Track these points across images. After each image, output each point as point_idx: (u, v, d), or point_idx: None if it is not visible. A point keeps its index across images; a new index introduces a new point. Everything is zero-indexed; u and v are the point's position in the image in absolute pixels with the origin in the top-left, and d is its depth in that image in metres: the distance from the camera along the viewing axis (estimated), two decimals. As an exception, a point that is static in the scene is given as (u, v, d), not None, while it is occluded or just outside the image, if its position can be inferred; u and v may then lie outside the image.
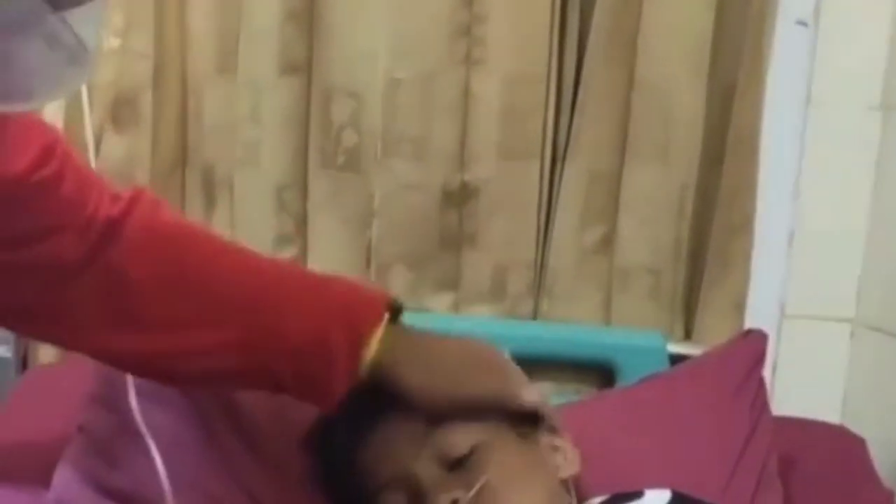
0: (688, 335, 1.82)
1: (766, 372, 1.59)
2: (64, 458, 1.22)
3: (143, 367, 1.14)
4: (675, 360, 1.69)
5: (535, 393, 1.16)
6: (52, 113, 1.73)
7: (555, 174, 1.78)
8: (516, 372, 1.17)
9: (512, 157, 1.75)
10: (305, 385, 1.10)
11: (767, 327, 1.67)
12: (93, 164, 1.58)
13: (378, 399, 1.12)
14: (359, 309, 1.11)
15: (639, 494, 1.22)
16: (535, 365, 1.73)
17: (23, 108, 0.82)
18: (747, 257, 1.75)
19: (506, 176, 1.75)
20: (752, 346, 1.49)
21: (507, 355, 1.19)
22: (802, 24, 1.72)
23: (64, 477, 1.20)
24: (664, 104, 1.73)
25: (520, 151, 1.75)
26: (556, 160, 1.78)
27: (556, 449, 1.19)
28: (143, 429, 1.18)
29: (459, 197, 1.76)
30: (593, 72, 1.73)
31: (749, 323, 1.73)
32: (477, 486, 1.06)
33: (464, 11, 1.70)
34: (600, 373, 1.77)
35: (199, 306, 1.11)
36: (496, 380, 1.14)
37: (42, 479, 1.22)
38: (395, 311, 1.13)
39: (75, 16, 0.76)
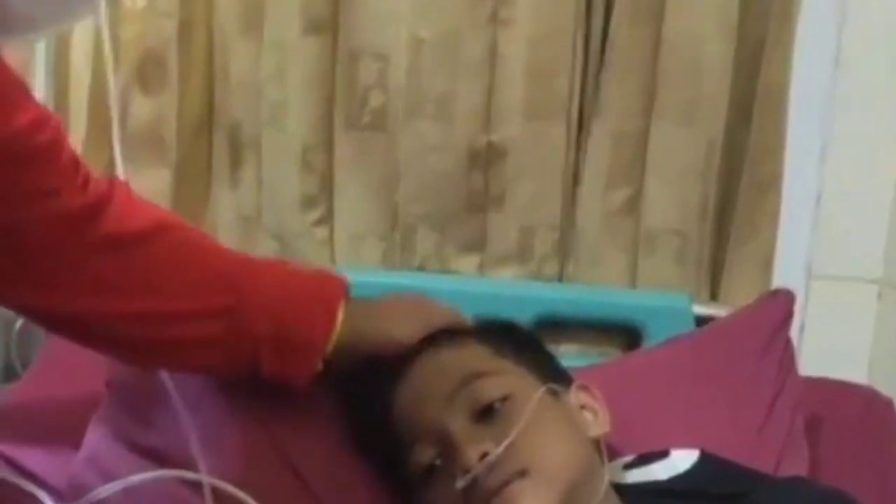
0: (714, 296, 1.82)
1: (794, 332, 1.58)
2: (94, 417, 1.23)
3: (118, 331, 1.12)
4: (701, 321, 1.69)
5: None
6: (79, 72, 1.74)
7: (581, 134, 1.78)
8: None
9: (538, 117, 1.75)
10: (284, 346, 1.13)
11: (794, 288, 1.66)
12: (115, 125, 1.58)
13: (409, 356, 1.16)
14: (327, 279, 1.18)
15: (665, 454, 1.23)
16: (561, 327, 1.76)
17: (26, 36, 0.80)
18: (775, 217, 1.74)
19: (532, 137, 1.75)
20: (780, 305, 1.48)
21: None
22: (831, -23, 1.70)
23: (95, 435, 1.21)
24: (692, 62, 1.72)
25: (546, 111, 1.75)
26: (583, 120, 1.77)
27: (585, 408, 1.19)
28: (170, 385, 1.18)
29: (485, 158, 1.76)
30: (620, 30, 1.73)
31: (776, 283, 1.71)
32: (507, 441, 1.07)
33: (489, -30, 1.70)
34: (626, 335, 1.77)
35: (182, 271, 1.12)
36: (434, 306, 1.22)
37: (71, 439, 1.23)
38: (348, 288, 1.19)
39: None
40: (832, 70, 1.71)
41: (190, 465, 1.11)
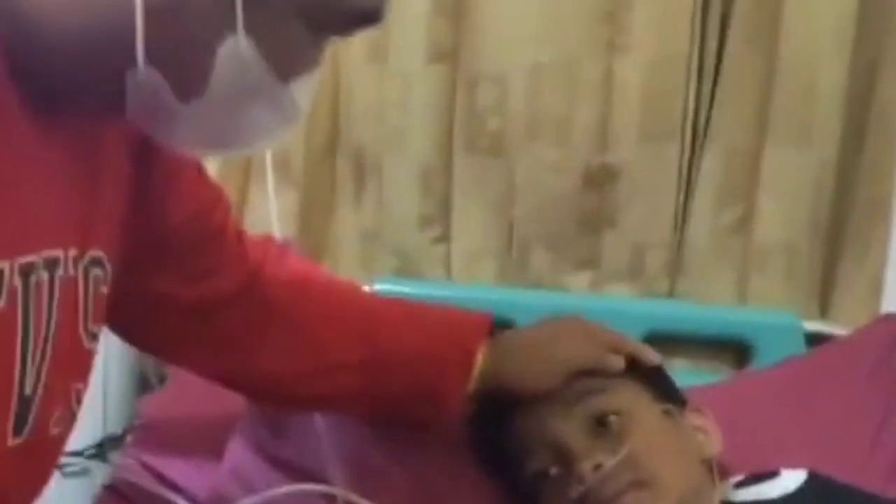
0: (824, 314, 1.82)
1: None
2: (237, 431, 1.30)
3: (268, 390, 1.21)
4: (811, 338, 1.71)
5: (619, 359, 1.22)
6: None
7: (694, 155, 1.80)
8: (604, 333, 1.25)
9: (652, 139, 1.77)
10: (421, 397, 1.20)
11: (905, 306, 1.68)
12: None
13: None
14: (464, 325, 1.23)
15: (775, 474, 1.27)
16: (671, 343, 1.77)
17: (236, 155, 0.91)
18: (886, 236, 1.74)
19: (646, 158, 1.78)
20: (890, 329, 1.51)
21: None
22: (950, -4, 1.70)
23: (237, 448, 1.28)
24: (806, 83, 1.73)
25: (660, 133, 1.77)
26: (696, 141, 1.80)
27: (698, 429, 1.24)
28: None
29: (600, 179, 1.79)
30: (735, 54, 1.75)
31: (886, 302, 1.72)
32: (622, 453, 1.12)
33: (607, -2, 1.73)
34: (735, 351, 1.79)
35: (325, 332, 1.20)
36: (582, 345, 1.23)
37: (212, 451, 1.30)
38: (491, 326, 1.24)
39: (296, 83, 0.86)
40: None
41: (325, 479, 1.19)
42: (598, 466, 1.12)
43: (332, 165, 1.88)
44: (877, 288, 1.75)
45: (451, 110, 1.81)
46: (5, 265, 0.79)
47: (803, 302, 1.81)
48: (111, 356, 1.74)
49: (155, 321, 1.12)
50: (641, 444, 1.14)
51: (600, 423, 1.16)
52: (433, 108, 1.80)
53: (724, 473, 1.23)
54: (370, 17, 0.87)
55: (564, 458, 1.16)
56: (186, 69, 0.81)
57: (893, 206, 1.74)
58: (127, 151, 0.96)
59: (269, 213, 1.41)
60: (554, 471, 1.17)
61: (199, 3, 0.79)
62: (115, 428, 1.65)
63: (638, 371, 1.25)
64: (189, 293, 1.11)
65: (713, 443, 1.23)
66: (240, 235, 1.17)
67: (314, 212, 1.87)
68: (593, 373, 1.21)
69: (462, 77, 1.79)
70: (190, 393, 1.42)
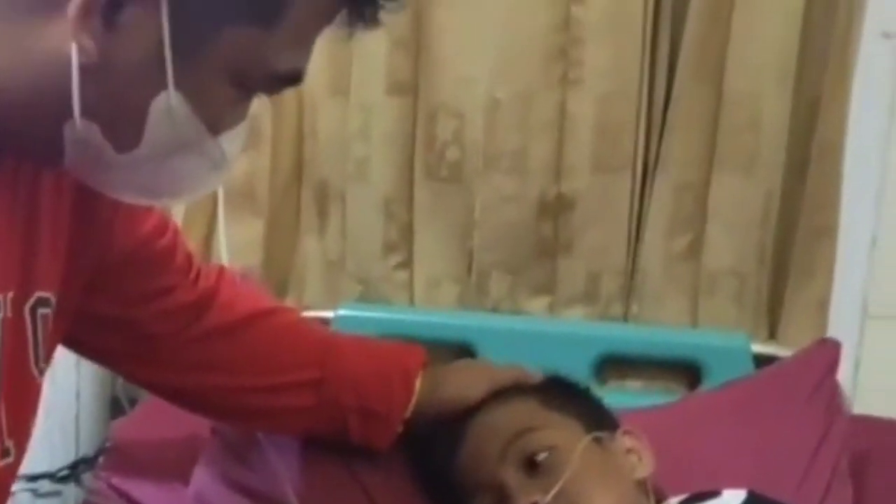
0: (772, 336, 1.88)
1: (847, 372, 1.66)
2: (201, 458, 1.35)
3: (226, 403, 1.28)
4: (760, 360, 1.76)
5: (536, 373, 1.36)
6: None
7: (645, 186, 1.85)
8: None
9: (605, 170, 1.82)
10: (367, 416, 1.28)
11: (850, 327, 1.74)
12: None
13: (466, 416, 1.28)
14: (405, 354, 1.34)
15: (716, 494, 1.32)
16: (626, 364, 1.84)
17: (166, 204, 0.97)
18: (831, 261, 1.81)
19: (599, 188, 1.83)
20: (827, 353, 1.57)
21: None
22: (887, 36, 1.75)
23: (202, 475, 1.33)
24: (751, 116, 1.79)
25: (612, 164, 1.82)
26: (647, 172, 1.85)
27: (630, 451, 1.29)
28: (260, 435, 1.33)
29: (555, 208, 1.84)
30: (683, 89, 1.80)
31: (833, 323, 1.79)
32: (553, 490, 1.17)
33: (561, 35, 1.78)
34: (687, 372, 1.84)
35: (277, 351, 1.28)
36: (503, 368, 1.36)
37: (179, 475, 1.35)
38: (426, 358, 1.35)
39: (226, 136, 0.91)
40: (887, 120, 1.77)
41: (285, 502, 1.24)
42: None
43: (296, 195, 1.93)
44: (823, 310, 1.82)
45: (411, 141, 1.85)
46: None
47: (752, 325, 1.86)
48: (84, 380, 1.79)
49: (105, 338, 1.18)
50: (574, 477, 1.19)
51: (533, 461, 1.21)
52: (394, 140, 1.84)
53: (660, 494, 1.28)
54: (293, 79, 0.92)
55: (504, 499, 1.21)
56: (121, 122, 0.86)
57: (837, 234, 1.80)
58: (67, 189, 1.00)
59: (234, 243, 1.48)
60: None
61: (132, 62, 0.84)
62: (87, 450, 1.70)
63: (570, 401, 1.31)
64: (138, 314, 1.17)
65: (646, 464, 1.28)
66: (189, 260, 1.23)
67: (279, 240, 1.91)
68: (520, 389, 1.30)
69: (422, 110, 1.84)
70: (158, 416, 1.46)
